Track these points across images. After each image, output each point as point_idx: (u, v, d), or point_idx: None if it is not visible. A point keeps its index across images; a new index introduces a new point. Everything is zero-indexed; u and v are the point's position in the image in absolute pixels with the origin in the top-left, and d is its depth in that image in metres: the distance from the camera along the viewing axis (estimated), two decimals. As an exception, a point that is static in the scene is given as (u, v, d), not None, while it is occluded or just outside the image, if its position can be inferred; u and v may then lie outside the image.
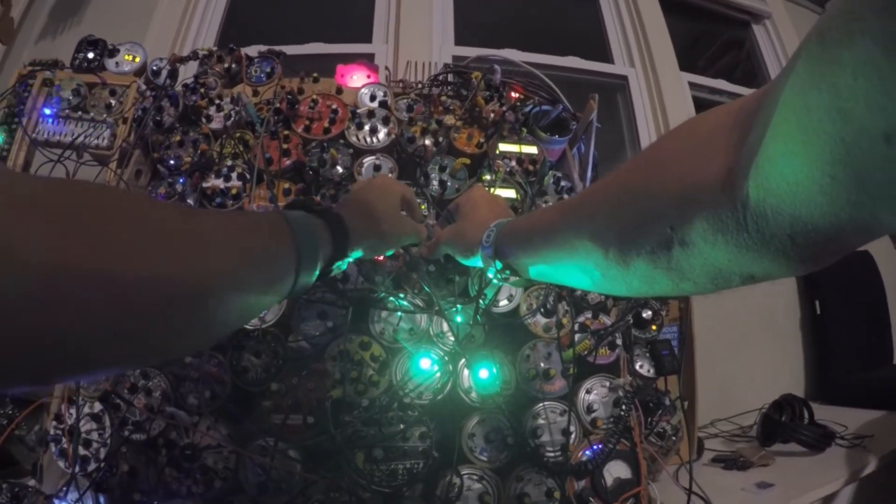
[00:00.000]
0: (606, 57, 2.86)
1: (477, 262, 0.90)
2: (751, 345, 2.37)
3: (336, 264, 0.78)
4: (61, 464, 1.01)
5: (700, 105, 2.83)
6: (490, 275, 0.88)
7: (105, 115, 1.32)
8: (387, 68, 1.46)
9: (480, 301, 1.06)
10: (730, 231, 0.40)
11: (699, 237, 0.43)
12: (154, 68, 1.39)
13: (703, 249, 0.43)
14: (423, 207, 1.14)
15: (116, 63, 1.44)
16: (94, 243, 0.37)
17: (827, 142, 0.29)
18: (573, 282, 0.73)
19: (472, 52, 1.69)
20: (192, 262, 0.47)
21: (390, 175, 1.18)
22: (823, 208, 0.32)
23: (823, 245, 0.36)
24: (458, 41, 2.51)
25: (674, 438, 1.24)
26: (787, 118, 0.33)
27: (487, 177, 1.21)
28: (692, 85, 2.88)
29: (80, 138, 1.29)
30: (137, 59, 1.44)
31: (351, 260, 0.84)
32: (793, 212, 0.34)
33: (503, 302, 1.10)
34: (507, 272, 0.83)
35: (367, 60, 1.48)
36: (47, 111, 1.31)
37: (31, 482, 1.07)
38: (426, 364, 1.02)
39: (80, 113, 1.32)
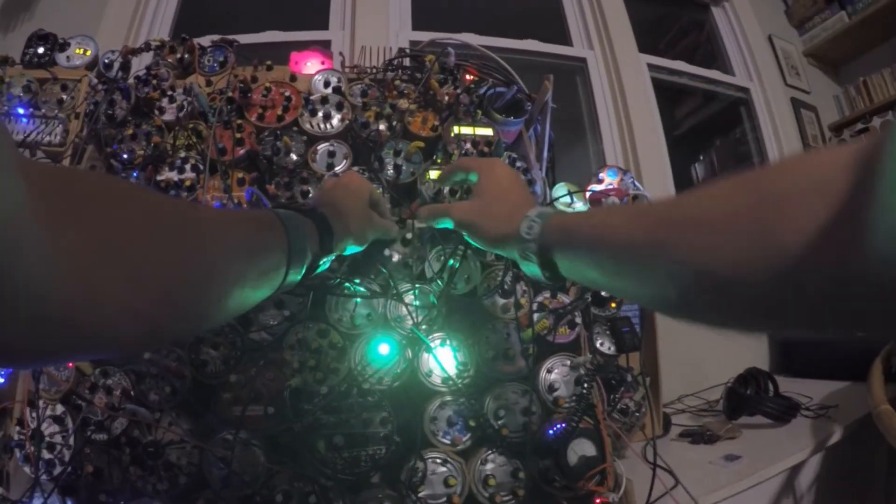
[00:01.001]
0: (565, 40, 2.88)
1: (509, 253, 0.83)
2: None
3: (321, 262, 0.80)
4: (27, 469, 1.00)
5: (659, 86, 2.85)
6: (528, 272, 0.80)
7: (57, 111, 1.30)
8: (341, 54, 1.44)
9: (438, 282, 1.06)
10: (848, 279, 0.37)
11: (814, 281, 0.40)
12: (106, 61, 1.37)
13: (813, 295, 0.40)
14: (378, 192, 1.13)
15: (67, 57, 1.41)
16: (118, 233, 0.41)
17: None
18: (638, 300, 0.68)
19: (429, 36, 1.68)
20: (198, 249, 0.51)
21: (355, 170, 1.17)
22: None
23: None
24: (416, 26, 2.51)
25: (637, 415, 1.25)
26: None
27: (441, 160, 1.20)
28: (651, 66, 2.90)
29: (33, 135, 1.27)
30: (89, 53, 1.42)
31: (333, 258, 0.86)
32: None
33: (460, 284, 1.09)
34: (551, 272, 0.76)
35: (323, 47, 1.46)
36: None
37: (-1, 489, 1.06)
38: (385, 349, 1.02)
39: (31, 109, 1.30)
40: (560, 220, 0.74)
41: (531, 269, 0.78)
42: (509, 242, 0.80)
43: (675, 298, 0.53)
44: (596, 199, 1.46)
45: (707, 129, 3.54)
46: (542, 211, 0.77)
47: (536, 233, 0.75)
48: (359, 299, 1.05)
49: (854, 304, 0.38)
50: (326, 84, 1.29)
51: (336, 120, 1.22)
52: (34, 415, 0.99)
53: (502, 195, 0.88)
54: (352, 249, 0.92)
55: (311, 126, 1.22)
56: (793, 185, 0.43)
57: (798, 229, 0.40)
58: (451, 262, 1.07)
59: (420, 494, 0.97)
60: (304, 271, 0.75)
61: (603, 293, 1.16)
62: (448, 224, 0.95)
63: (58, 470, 0.98)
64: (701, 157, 3.63)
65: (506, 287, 1.09)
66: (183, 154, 1.17)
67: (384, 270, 1.05)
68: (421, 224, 1.06)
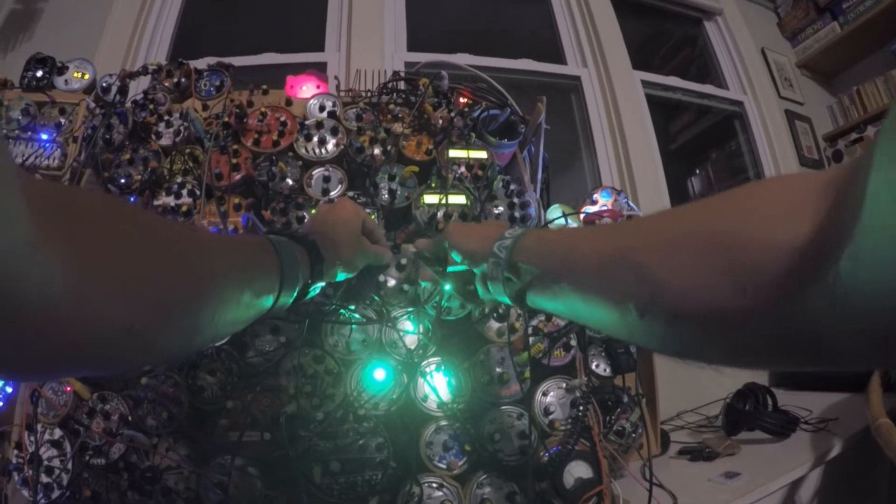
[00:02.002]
0: (560, 58, 2.89)
1: (480, 268, 0.80)
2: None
3: (311, 288, 0.82)
4: (25, 493, 1.00)
5: (653, 102, 2.87)
6: (502, 300, 0.76)
7: (55, 135, 1.31)
8: (336, 78, 1.45)
9: (429, 309, 1.07)
10: (816, 302, 0.35)
11: (782, 302, 0.38)
12: (104, 85, 1.38)
13: (780, 317, 0.39)
14: (372, 217, 1.14)
15: (66, 81, 1.43)
16: (115, 251, 0.42)
17: None
18: (600, 328, 0.63)
19: (424, 57, 1.69)
20: (194, 269, 0.53)
21: (349, 195, 1.18)
22: None
23: None
24: (412, 47, 2.52)
25: (634, 436, 1.25)
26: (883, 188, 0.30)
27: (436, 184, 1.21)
28: (645, 83, 2.92)
29: (31, 159, 1.28)
30: (87, 76, 1.44)
31: (323, 285, 0.88)
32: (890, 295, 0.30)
33: (455, 309, 1.09)
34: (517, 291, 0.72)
35: (318, 70, 1.47)
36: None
37: (-3, 513, 1.06)
38: (380, 375, 1.02)
39: (29, 133, 1.31)
40: (530, 240, 0.71)
41: (503, 300, 0.76)
42: (482, 258, 0.77)
43: (635, 317, 0.51)
44: (590, 221, 1.47)
45: (702, 142, 3.55)
46: (513, 233, 0.74)
47: (505, 259, 0.71)
48: (354, 325, 1.05)
49: (823, 337, 0.37)
50: (322, 108, 1.30)
51: (331, 145, 1.23)
52: (32, 439, 0.99)
53: (467, 231, 0.86)
54: (343, 276, 0.92)
55: (307, 151, 1.23)
56: (759, 212, 0.42)
57: (759, 259, 0.39)
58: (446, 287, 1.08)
59: (417, 519, 0.97)
60: (295, 295, 0.76)
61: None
62: (453, 265, 0.91)
63: (56, 494, 0.98)
64: (697, 171, 3.63)
65: (500, 311, 1.09)
66: (180, 179, 1.18)
67: (376, 298, 1.06)
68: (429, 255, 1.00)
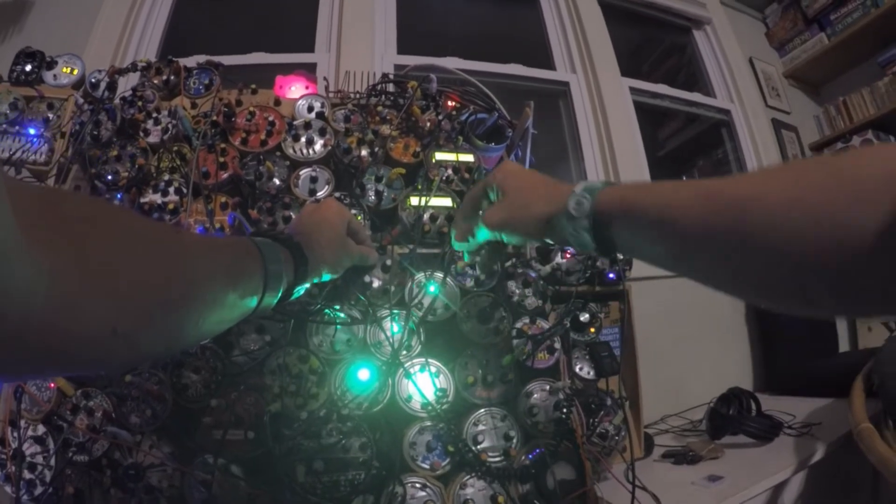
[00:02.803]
0: (549, 63, 2.91)
1: (558, 235, 0.76)
2: (698, 340, 2.41)
3: (296, 289, 0.82)
4: (8, 489, 0.99)
5: (641, 109, 2.90)
6: (579, 247, 0.73)
7: (42, 130, 1.30)
8: (325, 79, 1.45)
9: (414, 311, 1.07)
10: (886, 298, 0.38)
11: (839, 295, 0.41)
12: (92, 81, 1.38)
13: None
14: (359, 218, 1.14)
15: (54, 76, 1.42)
16: (100, 253, 0.43)
17: None
18: (707, 282, 0.60)
19: (414, 60, 1.69)
20: (178, 271, 0.53)
21: (335, 196, 1.18)
22: None
23: None
24: (402, 50, 2.53)
25: (617, 438, 1.26)
26: None
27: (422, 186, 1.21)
28: (633, 90, 2.94)
29: (18, 154, 1.27)
30: (76, 72, 1.43)
31: (308, 286, 0.88)
32: None
33: (440, 310, 1.10)
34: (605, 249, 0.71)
35: (307, 71, 1.47)
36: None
37: (-20, 510, 1.06)
38: (364, 375, 1.03)
39: (17, 127, 1.30)
40: (617, 193, 0.68)
41: (585, 243, 0.72)
42: (556, 224, 0.74)
43: (754, 281, 0.53)
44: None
45: (690, 149, 3.57)
46: (588, 185, 0.71)
47: (587, 209, 0.69)
48: (339, 325, 1.06)
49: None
50: (310, 109, 1.31)
51: (319, 145, 1.24)
52: (15, 435, 0.99)
53: (530, 185, 0.83)
54: (328, 277, 0.93)
55: (294, 151, 1.23)
56: (868, 173, 0.44)
57: (871, 215, 0.41)
58: (433, 288, 1.09)
59: (399, 519, 0.97)
60: (279, 296, 0.77)
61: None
62: (485, 234, 0.91)
63: (39, 490, 0.97)
64: (684, 177, 3.66)
65: (485, 313, 1.10)
66: (167, 177, 1.18)
67: (362, 298, 1.06)
68: (460, 249, 1.02)
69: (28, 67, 1.41)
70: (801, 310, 0.52)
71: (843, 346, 2.71)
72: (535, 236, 0.82)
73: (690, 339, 2.37)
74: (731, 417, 1.69)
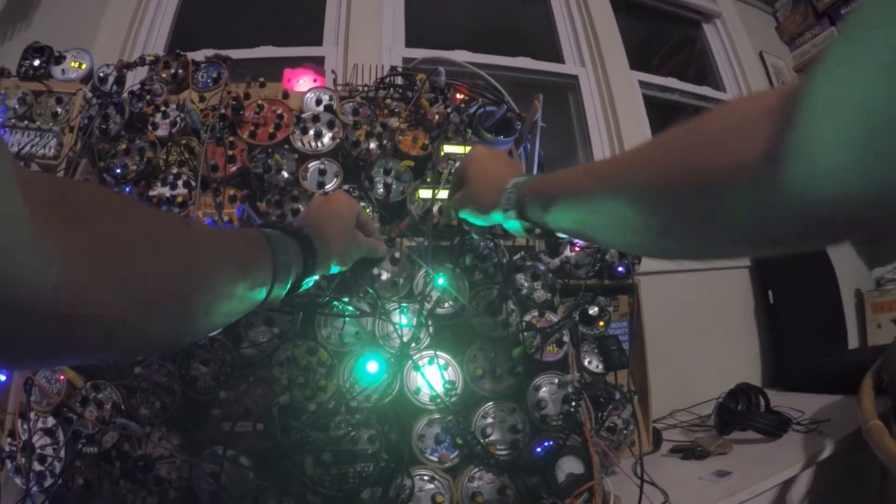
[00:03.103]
0: (557, 57, 2.89)
1: (495, 219, 0.91)
2: (707, 335, 2.39)
3: (304, 281, 0.82)
4: (18, 481, 1.00)
5: (651, 103, 2.87)
6: (513, 231, 0.90)
7: (51, 124, 1.31)
8: (333, 72, 1.45)
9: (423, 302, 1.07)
10: (770, 207, 0.41)
11: (740, 211, 0.45)
12: (101, 75, 1.38)
13: (742, 222, 0.46)
14: (367, 210, 1.14)
15: (63, 70, 1.42)
16: (110, 242, 0.43)
17: (864, 122, 0.31)
18: (609, 243, 0.75)
19: (422, 53, 1.69)
20: (188, 261, 0.53)
21: (344, 189, 1.18)
22: (861, 187, 0.34)
23: (862, 226, 0.38)
24: (410, 43, 2.51)
25: (625, 432, 1.26)
26: (828, 102, 0.35)
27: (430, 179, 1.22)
28: (643, 83, 2.92)
29: (27, 148, 1.28)
30: (84, 66, 1.43)
31: (316, 278, 0.88)
32: (835, 196, 0.36)
33: (448, 303, 1.10)
34: (531, 229, 0.86)
35: (315, 64, 1.47)
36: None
37: (-11, 501, 1.06)
38: (373, 367, 1.03)
39: (26, 122, 1.31)
40: (532, 185, 0.82)
41: (516, 228, 0.88)
42: (491, 213, 0.89)
43: (631, 233, 0.62)
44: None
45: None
46: (517, 181, 0.85)
47: (514, 202, 0.84)
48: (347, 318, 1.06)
49: (773, 226, 0.43)
50: (318, 102, 1.31)
51: (327, 138, 1.24)
52: (26, 427, 0.99)
53: (484, 176, 0.94)
54: (336, 269, 0.93)
55: (303, 144, 1.23)
56: (720, 128, 0.49)
57: (721, 166, 0.45)
58: (440, 280, 1.08)
59: (407, 511, 0.97)
60: (288, 288, 0.77)
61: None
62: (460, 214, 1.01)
63: (48, 482, 0.98)
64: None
65: (494, 306, 1.10)
66: (175, 170, 1.19)
67: (370, 291, 1.06)
68: (447, 219, 1.10)
69: (36, 62, 1.41)
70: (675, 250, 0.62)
71: (853, 342, 2.69)
72: (483, 222, 0.95)
73: (699, 334, 2.35)
74: (740, 413, 1.68)
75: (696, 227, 0.52)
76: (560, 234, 0.84)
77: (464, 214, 0.99)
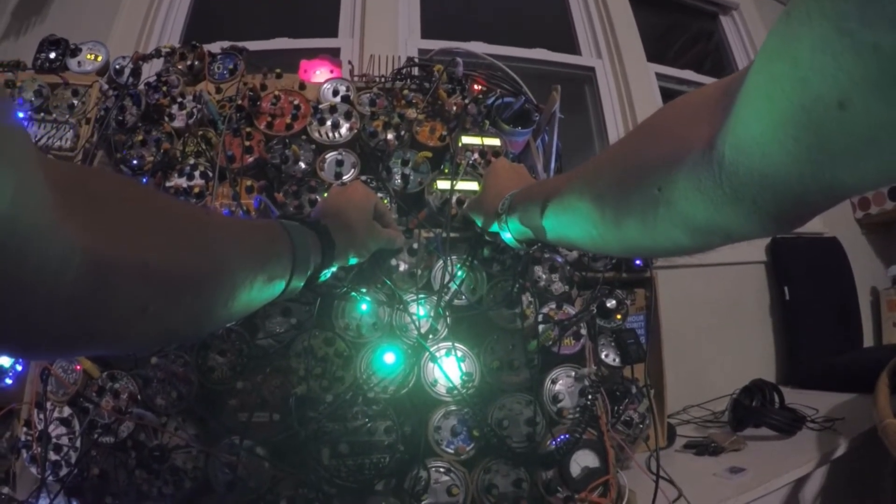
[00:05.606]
0: (574, 48, 2.87)
1: (494, 228, 0.96)
2: (722, 331, 2.37)
3: (323, 273, 0.82)
4: (33, 470, 1.00)
5: (668, 95, 2.83)
6: (506, 240, 0.95)
7: (68, 116, 1.31)
8: (350, 63, 1.45)
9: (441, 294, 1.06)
10: (707, 189, 0.44)
11: (681, 196, 0.47)
12: (117, 67, 1.38)
13: (684, 207, 0.48)
14: (385, 201, 1.14)
15: (79, 63, 1.42)
16: (131, 230, 0.43)
17: (789, 107, 0.33)
18: (578, 241, 0.75)
19: (438, 45, 1.68)
20: (208, 251, 0.53)
21: (362, 179, 1.18)
22: (789, 167, 0.36)
23: (792, 204, 0.39)
24: (425, 34, 2.50)
25: (641, 426, 1.25)
26: (756, 86, 0.37)
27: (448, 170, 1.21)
28: (659, 76, 2.89)
29: (44, 140, 1.28)
30: (100, 58, 1.43)
31: (334, 269, 0.88)
32: (762, 170, 0.38)
33: (464, 295, 1.10)
34: (522, 236, 0.91)
35: (331, 55, 1.47)
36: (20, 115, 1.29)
37: (6, 490, 1.06)
38: (390, 358, 1.02)
39: (42, 114, 1.31)
40: (523, 191, 0.88)
41: (510, 241, 0.95)
42: (492, 220, 0.96)
43: (593, 227, 0.65)
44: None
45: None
46: (514, 191, 0.91)
47: (506, 207, 0.90)
48: (364, 309, 1.05)
49: (717, 214, 0.45)
50: (335, 93, 1.30)
51: (344, 129, 1.23)
52: (41, 416, 1.00)
53: (493, 185, 1.01)
54: (354, 261, 0.93)
55: (320, 135, 1.23)
56: (671, 116, 0.54)
57: (667, 153, 0.49)
58: (459, 272, 1.08)
59: (423, 503, 0.97)
60: (306, 279, 0.77)
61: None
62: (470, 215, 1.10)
63: (64, 471, 0.98)
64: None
65: (511, 298, 1.09)
66: (192, 161, 1.19)
67: (388, 282, 1.06)
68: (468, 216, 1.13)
69: (52, 55, 1.41)
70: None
71: (868, 340, 2.67)
72: (485, 226, 1.01)
73: (714, 330, 2.33)
74: (754, 409, 1.67)
75: (648, 214, 0.53)
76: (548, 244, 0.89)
77: (473, 216, 1.07)
